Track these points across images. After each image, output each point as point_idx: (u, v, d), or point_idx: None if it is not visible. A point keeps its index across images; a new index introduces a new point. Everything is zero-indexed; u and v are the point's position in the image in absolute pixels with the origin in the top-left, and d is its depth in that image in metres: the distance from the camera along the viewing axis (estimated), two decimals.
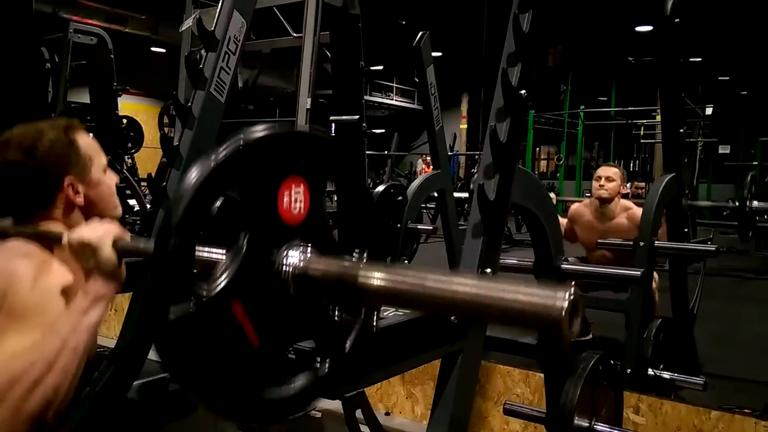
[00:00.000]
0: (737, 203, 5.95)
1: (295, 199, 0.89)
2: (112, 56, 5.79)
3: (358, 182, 1.01)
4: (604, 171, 3.67)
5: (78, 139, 1.22)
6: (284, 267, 0.87)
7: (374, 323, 1.00)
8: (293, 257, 0.87)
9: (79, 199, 1.21)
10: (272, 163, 0.86)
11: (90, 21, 10.44)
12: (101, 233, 1.04)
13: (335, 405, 2.42)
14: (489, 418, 2.44)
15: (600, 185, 3.63)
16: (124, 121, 5.86)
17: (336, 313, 0.96)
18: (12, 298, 1.02)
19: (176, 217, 0.77)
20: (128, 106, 11.09)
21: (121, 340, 2.07)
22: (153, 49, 15.41)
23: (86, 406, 1.91)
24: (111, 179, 1.29)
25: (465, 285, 0.75)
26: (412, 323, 1.32)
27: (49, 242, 1.13)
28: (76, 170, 1.21)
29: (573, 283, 0.72)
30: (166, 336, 0.78)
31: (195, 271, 0.81)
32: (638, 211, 3.56)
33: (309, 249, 0.89)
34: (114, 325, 3.61)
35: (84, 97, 5.77)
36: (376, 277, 0.82)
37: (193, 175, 0.78)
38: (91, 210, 1.22)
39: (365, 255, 0.99)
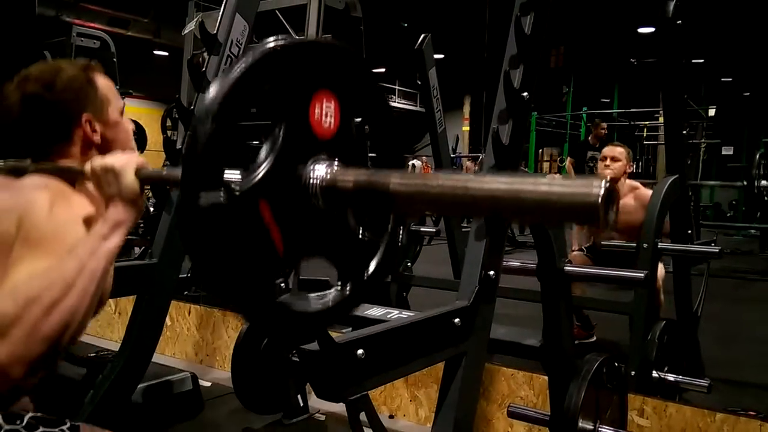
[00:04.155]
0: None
1: (326, 113, 0.91)
2: (114, 60, 5.81)
3: (383, 101, 1.03)
4: (609, 151, 3.56)
5: (96, 79, 1.26)
6: (311, 180, 0.87)
7: (401, 240, 1.00)
8: (320, 170, 0.88)
9: (96, 137, 1.23)
10: (304, 72, 0.87)
11: (93, 24, 10.49)
12: (125, 160, 1.06)
13: (339, 407, 2.42)
14: (493, 421, 2.44)
15: (605, 165, 3.52)
16: None
17: (362, 232, 0.96)
18: (29, 226, 1.03)
19: (214, 104, 0.77)
20: (131, 109, 11.09)
21: (126, 343, 2.07)
22: (156, 52, 15.46)
23: (90, 408, 1.91)
24: (128, 123, 1.31)
25: (500, 182, 0.76)
26: (416, 326, 1.32)
27: (69, 176, 1.15)
28: (94, 108, 1.23)
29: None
30: (195, 222, 0.78)
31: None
32: (645, 191, 3.49)
33: (336, 163, 0.90)
34: (118, 328, 3.61)
35: None
36: (409, 182, 0.82)
37: (234, 71, 0.79)
38: (108, 151, 1.22)
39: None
